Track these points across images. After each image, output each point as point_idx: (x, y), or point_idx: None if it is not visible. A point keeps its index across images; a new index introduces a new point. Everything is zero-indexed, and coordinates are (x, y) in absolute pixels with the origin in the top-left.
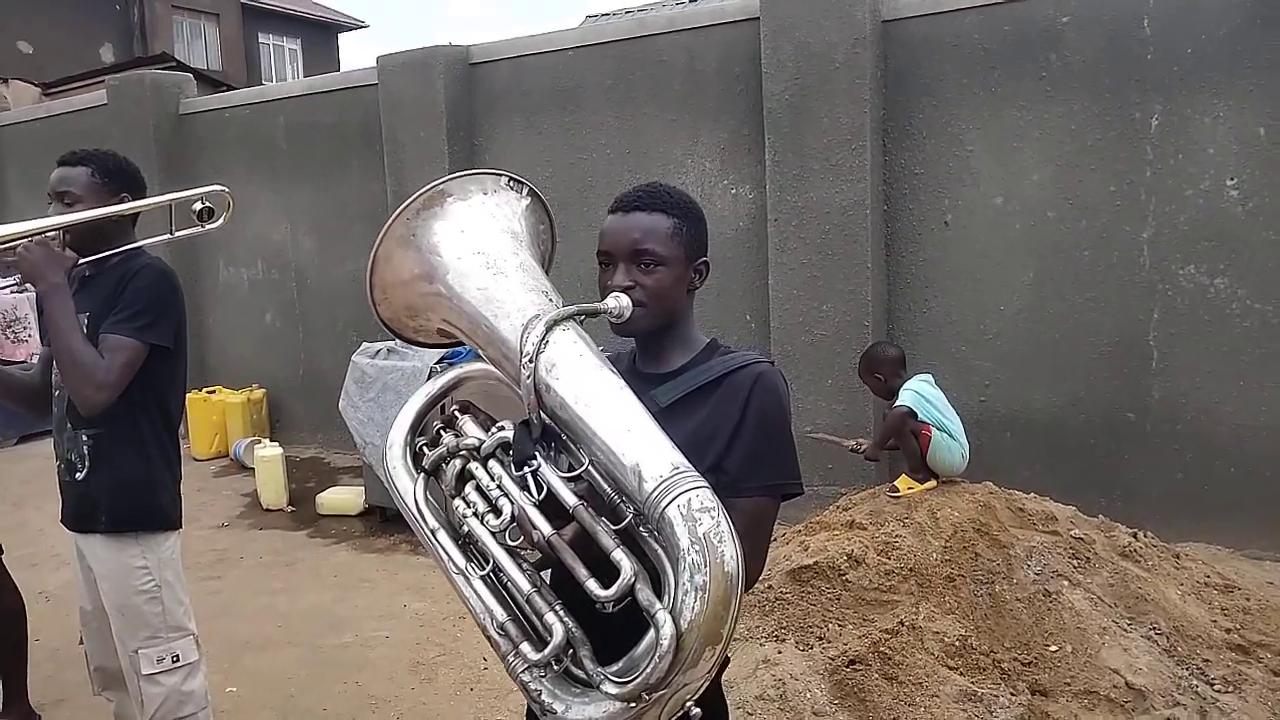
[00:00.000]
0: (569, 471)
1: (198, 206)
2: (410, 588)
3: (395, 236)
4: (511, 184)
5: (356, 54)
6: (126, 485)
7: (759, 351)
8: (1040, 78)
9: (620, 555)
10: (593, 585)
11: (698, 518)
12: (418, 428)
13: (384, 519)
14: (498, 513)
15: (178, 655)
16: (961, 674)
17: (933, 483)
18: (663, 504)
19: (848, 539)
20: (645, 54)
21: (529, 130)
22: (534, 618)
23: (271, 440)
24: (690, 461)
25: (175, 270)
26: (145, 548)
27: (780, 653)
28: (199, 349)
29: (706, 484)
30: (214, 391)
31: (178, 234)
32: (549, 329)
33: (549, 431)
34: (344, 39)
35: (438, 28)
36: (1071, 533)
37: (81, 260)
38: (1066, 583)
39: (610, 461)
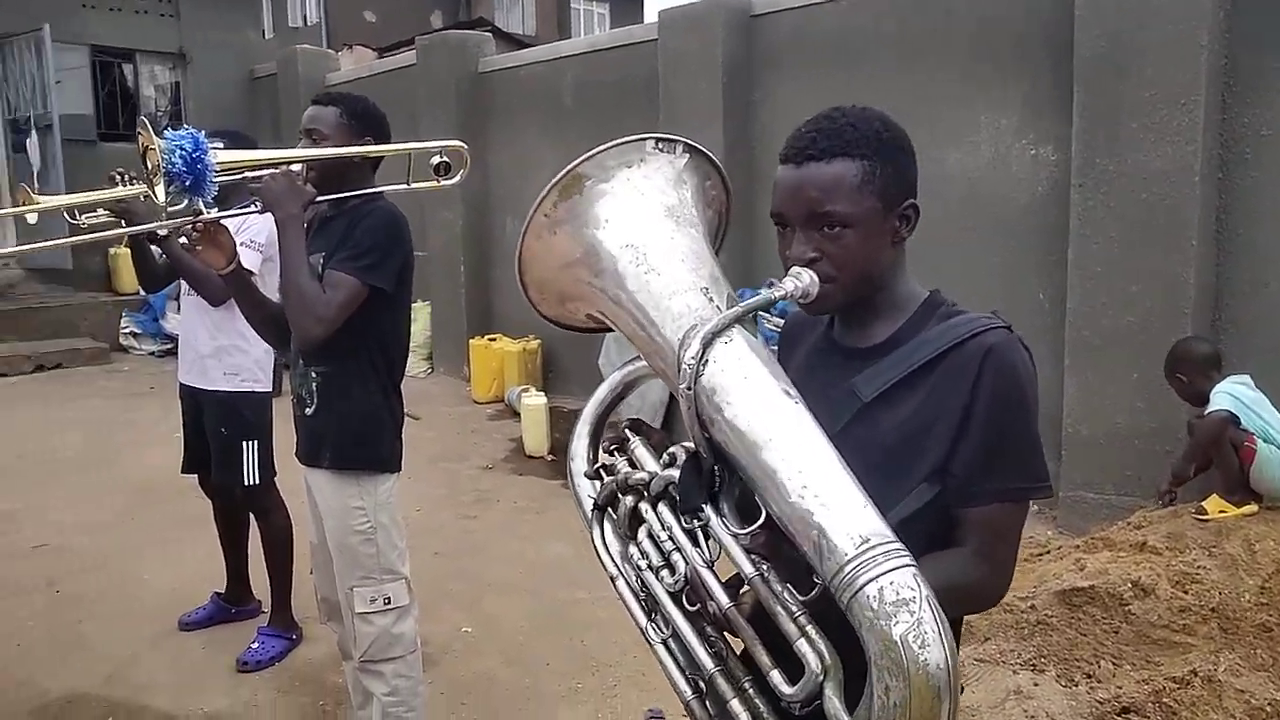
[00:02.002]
0: (746, 526)
1: (435, 160)
2: None
3: (536, 233)
4: (661, 146)
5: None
6: (348, 425)
7: (991, 314)
8: None
9: (805, 648)
10: (777, 679)
11: (892, 614)
12: (598, 437)
13: None
14: (672, 569)
15: (389, 598)
16: None
17: (1253, 506)
18: (847, 593)
19: (1135, 563)
20: (938, 0)
21: (808, 85)
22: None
23: (542, 390)
24: (905, 464)
25: (462, 228)
26: (363, 489)
27: (1037, 685)
28: (485, 299)
29: (907, 559)
30: (495, 339)
31: (414, 185)
32: (706, 345)
33: (723, 464)
34: (649, 2)
35: None
36: None
37: (320, 198)
38: None
39: (788, 521)
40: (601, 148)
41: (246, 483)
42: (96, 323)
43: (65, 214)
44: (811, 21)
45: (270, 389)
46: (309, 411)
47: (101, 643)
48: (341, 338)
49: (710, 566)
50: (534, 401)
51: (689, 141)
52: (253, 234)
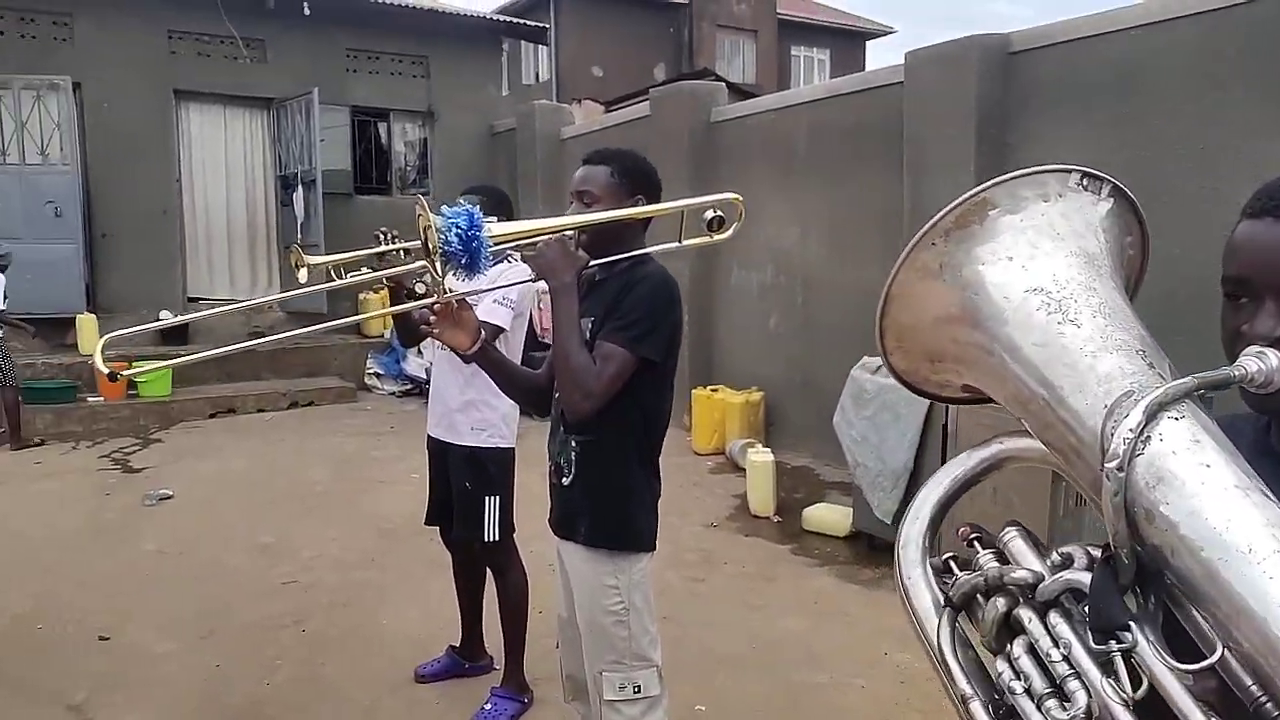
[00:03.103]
0: (1188, 660)
1: (709, 215)
2: (893, 633)
3: (916, 267)
4: (1085, 182)
5: (881, 61)
6: (607, 499)
7: None
8: None
9: None
10: None
11: None
12: (939, 521)
13: (871, 547)
14: (1063, 699)
15: (639, 686)
16: None
17: None
18: None
19: None
20: (1239, 23)
21: (1074, 125)
22: None
23: (765, 444)
24: None
25: (689, 275)
26: (618, 567)
27: None
28: (707, 348)
29: None
30: (716, 390)
31: (686, 243)
32: (1151, 417)
33: (1146, 575)
34: (870, 46)
35: (969, 31)
36: None
37: (592, 262)
38: None
39: (1267, 663)
40: (1019, 172)
41: (486, 538)
42: (345, 363)
43: (330, 270)
44: (1082, 55)
45: (514, 445)
46: (566, 481)
47: (343, 688)
48: (607, 408)
49: (1130, 707)
50: (761, 459)
51: (1118, 183)
52: (504, 290)
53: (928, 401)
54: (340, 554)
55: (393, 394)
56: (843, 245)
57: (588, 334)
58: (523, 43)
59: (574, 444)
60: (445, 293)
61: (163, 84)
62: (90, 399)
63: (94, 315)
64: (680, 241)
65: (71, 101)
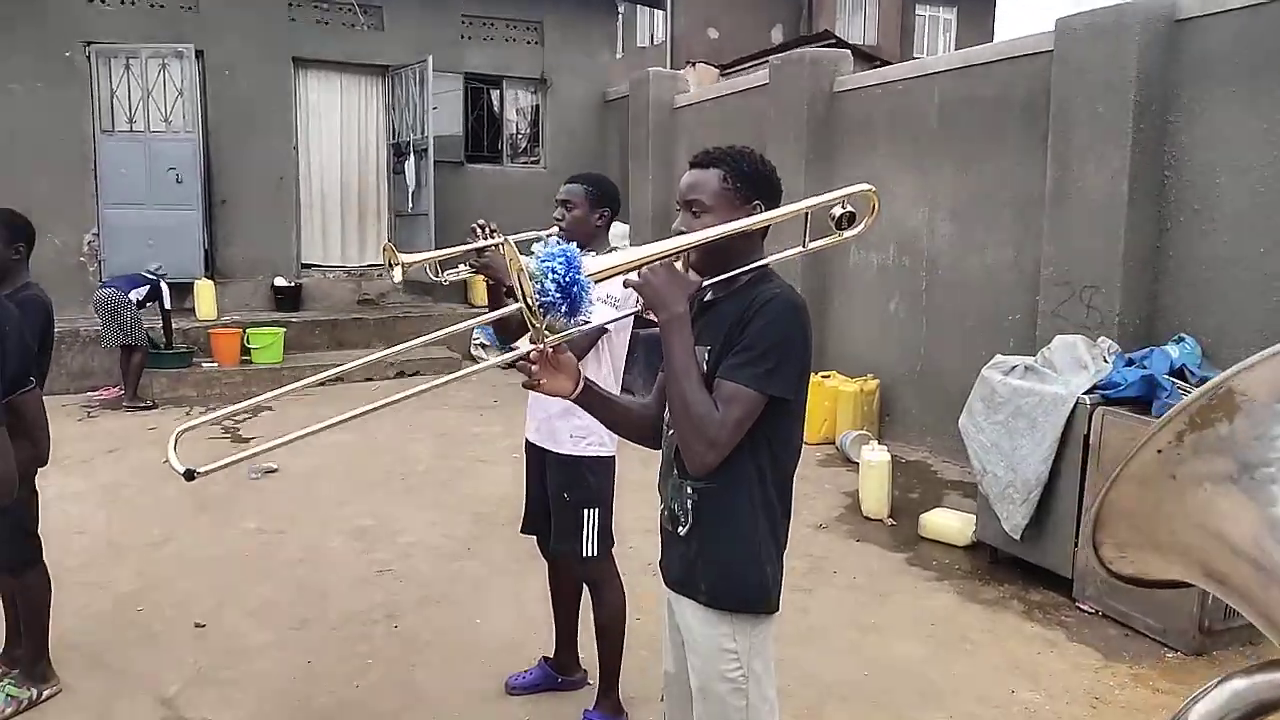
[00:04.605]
0: None
1: (838, 211)
2: (1019, 666)
3: (1138, 478)
4: None
5: (1011, 21)
6: (729, 556)
7: None
8: None
9: None
10: None
11: None
12: None
13: (994, 560)
14: None
15: None
16: None
17: None
18: None
19: None
20: None
21: (1248, 103)
22: None
23: (879, 436)
24: None
25: (809, 264)
26: (737, 629)
27: None
28: (820, 332)
29: None
30: (828, 376)
31: (810, 246)
32: None
33: None
34: (1001, 5)
35: None
36: None
37: (705, 283)
38: None
39: None
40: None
41: (584, 554)
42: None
43: (427, 268)
44: (1262, 22)
45: (615, 452)
46: (681, 532)
47: (433, 695)
48: (730, 451)
49: None
50: (876, 458)
51: None
52: (609, 288)
53: (1068, 409)
54: (437, 541)
55: (498, 366)
56: (974, 227)
57: (703, 363)
58: (638, 6)
59: (690, 490)
60: (546, 337)
61: (282, 51)
62: (205, 364)
63: (211, 281)
64: (804, 245)
65: (194, 69)
